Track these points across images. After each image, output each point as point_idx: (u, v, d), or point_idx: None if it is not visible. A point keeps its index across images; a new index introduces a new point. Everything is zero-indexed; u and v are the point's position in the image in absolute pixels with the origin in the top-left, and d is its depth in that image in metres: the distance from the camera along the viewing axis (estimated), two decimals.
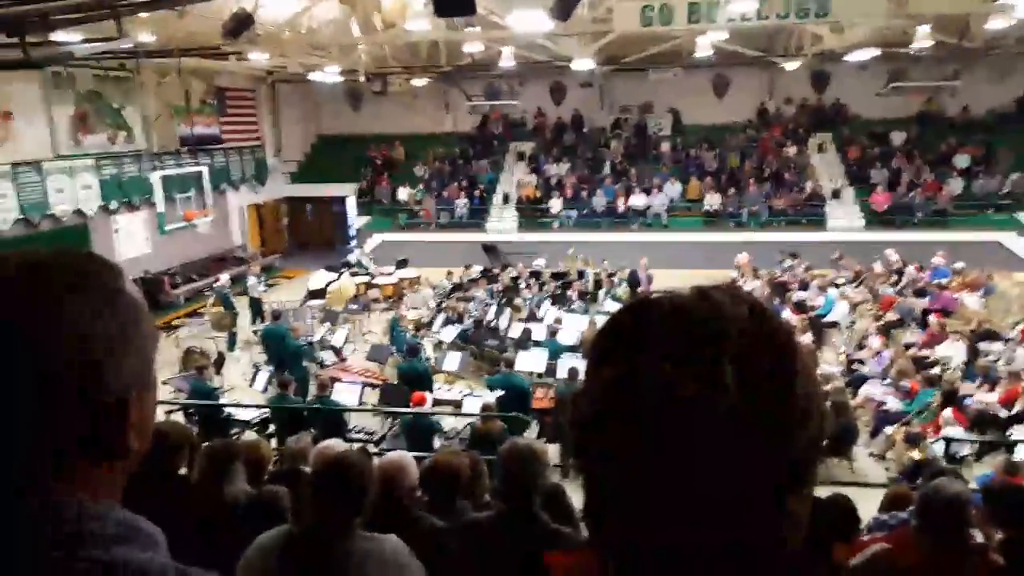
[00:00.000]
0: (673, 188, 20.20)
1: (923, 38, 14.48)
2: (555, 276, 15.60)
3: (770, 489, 0.56)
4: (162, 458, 3.36)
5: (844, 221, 18.81)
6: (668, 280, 15.58)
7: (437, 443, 7.33)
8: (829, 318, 12.37)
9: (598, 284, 14.99)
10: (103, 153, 15.74)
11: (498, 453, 3.12)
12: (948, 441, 7.28)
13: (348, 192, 22.43)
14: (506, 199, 20.96)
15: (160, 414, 8.46)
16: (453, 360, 10.54)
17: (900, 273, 14.35)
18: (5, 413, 0.62)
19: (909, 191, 18.95)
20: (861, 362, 10.54)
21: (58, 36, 10.28)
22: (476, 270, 16.14)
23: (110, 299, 0.68)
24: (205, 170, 17.96)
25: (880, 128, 21.16)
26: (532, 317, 12.67)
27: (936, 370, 9.53)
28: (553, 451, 8.05)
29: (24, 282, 0.65)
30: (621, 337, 0.62)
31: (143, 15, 11.34)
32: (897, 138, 20.84)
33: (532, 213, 20.41)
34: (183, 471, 3.70)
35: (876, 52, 16.87)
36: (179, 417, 8.66)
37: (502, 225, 20.26)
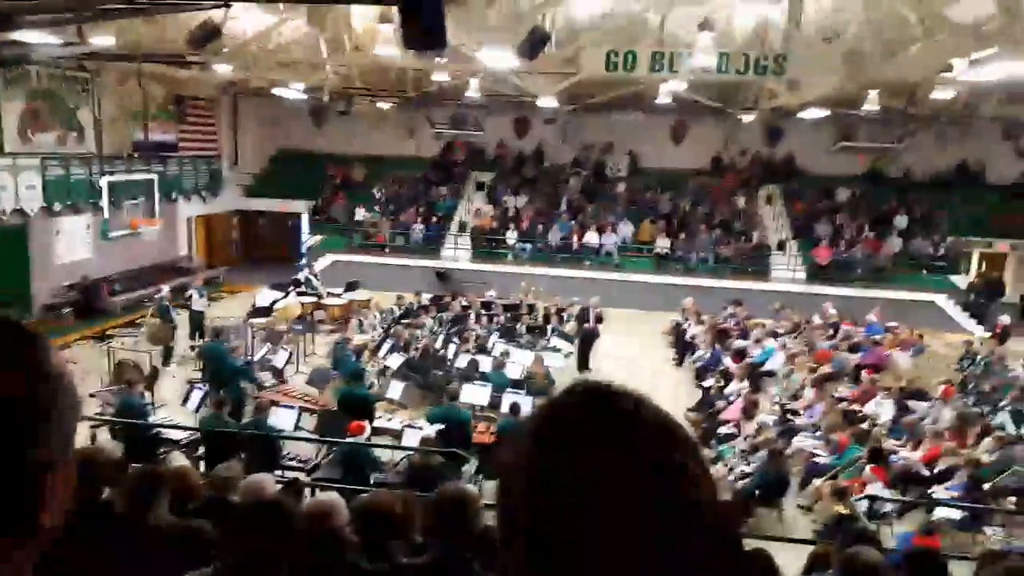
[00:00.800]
0: (626, 228, 20.60)
1: (872, 102, 15.23)
2: (506, 308, 15.68)
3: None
4: (86, 485, 3.27)
5: (787, 272, 19.44)
6: (616, 319, 15.81)
7: (373, 477, 7.25)
8: (766, 367, 12.70)
9: (547, 319, 15.12)
10: (51, 153, 15.30)
11: (432, 499, 3.14)
12: (872, 499, 7.52)
13: (303, 208, 22.23)
14: (462, 227, 21.05)
15: (85, 429, 8.16)
16: (396, 388, 10.46)
17: (836, 327, 14.87)
18: None
19: (850, 247, 19.71)
20: (796, 412, 10.84)
21: (20, 35, 10.02)
22: (427, 297, 16.11)
23: (36, 376, 0.66)
24: (156, 178, 17.61)
25: (827, 184, 22.02)
26: (481, 349, 12.69)
27: (865, 425, 9.86)
28: (490, 487, 8.07)
29: None
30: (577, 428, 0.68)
31: None
32: (842, 194, 21.72)
33: (487, 243, 20.53)
34: (106, 495, 3.60)
35: (827, 112, 17.64)
36: (105, 434, 8.39)
37: (457, 253, 20.32)
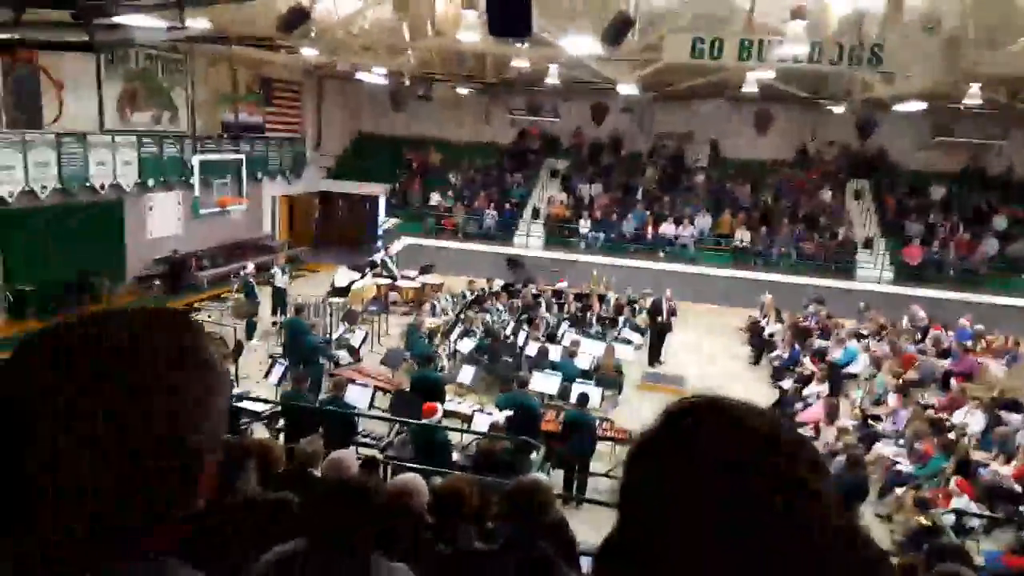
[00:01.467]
0: (704, 220, 20.12)
1: (974, 95, 14.36)
2: (577, 297, 15.60)
3: None
4: None
5: (873, 272, 18.61)
6: (691, 313, 15.52)
7: (452, 456, 7.35)
8: (849, 369, 12.23)
9: (619, 310, 14.97)
10: (147, 131, 16.05)
11: (506, 488, 3.15)
12: (959, 513, 7.16)
13: (381, 192, 22.65)
14: (536, 215, 21.02)
15: None
16: (467, 373, 10.57)
17: (925, 331, 14.17)
18: (105, 479, 0.64)
19: (943, 247, 18.72)
20: (877, 418, 10.41)
21: (122, 19, 10.50)
22: (498, 284, 16.19)
23: (200, 372, 0.71)
24: (243, 158, 18.23)
25: (920, 181, 20.93)
26: (550, 337, 12.67)
27: (952, 435, 9.38)
28: (557, 477, 8.07)
29: (130, 356, 0.68)
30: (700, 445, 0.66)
31: None
32: (936, 192, 20.61)
33: (560, 232, 20.44)
34: None
35: (924, 105, 16.74)
36: None
37: (529, 241, 20.32)
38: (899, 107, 17.15)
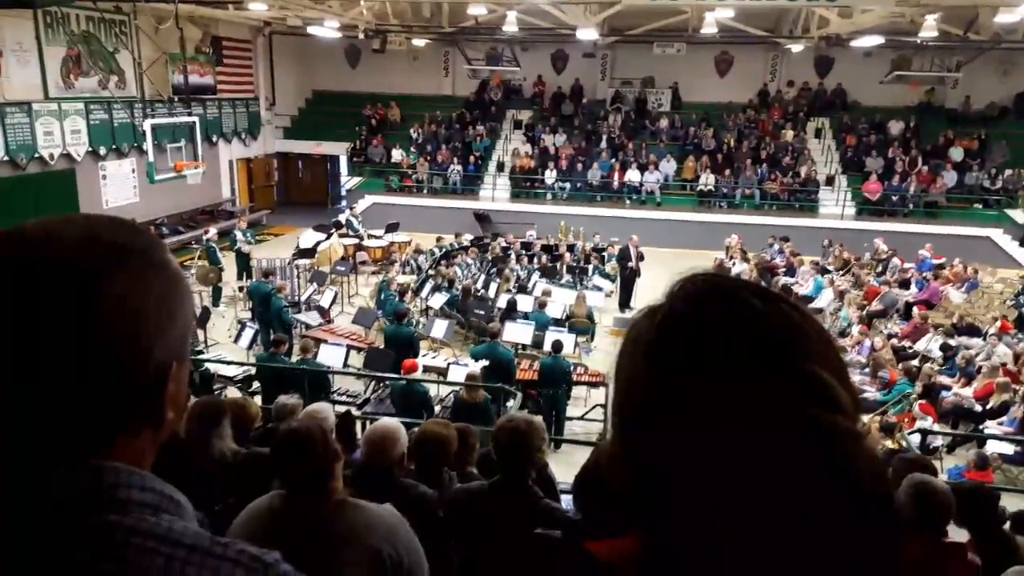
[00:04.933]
0: (669, 165, 20.14)
1: (930, 28, 14.43)
2: (545, 248, 15.60)
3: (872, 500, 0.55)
4: None
5: (836, 208, 18.89)
6: (658, 258, 15.64)
7: (433, 410, 7.36)
8: (815, 304, 12.48)
9: (588, 258, 15.02)
10: (94, 97, 15.45)
11: (496, 424, 3.16)
12: (924, 433, 7.43)
13: (341, 151, 22.21)
14: (500, 168, 20.83)
15: None
16: (440, 327, 10.56)
17: (886, 264, 14.49)
18: (54, 384, 0.63)
19: (902, 181, 19.02)
20: (843, 350, 10.67)
21: None
22: (467, 238, 16.10)
23: (157, 274, 0.69)
24: (197, 120, 17.66)
25: (879, 116, 21.13)
26: (521, 288, 12.70)
27: (916, 362, 9.68)
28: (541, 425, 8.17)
29: (81, 258, 0.65)
30: (702, 346, 0.58)
31: None
32: (895, 127, 20.84)
33: (526, 183, 20.32)
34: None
35: (881, 40, 16.79)
36: None
37: (495, 194, 20.17)
38: (856, 43, 17.18)
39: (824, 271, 13.92)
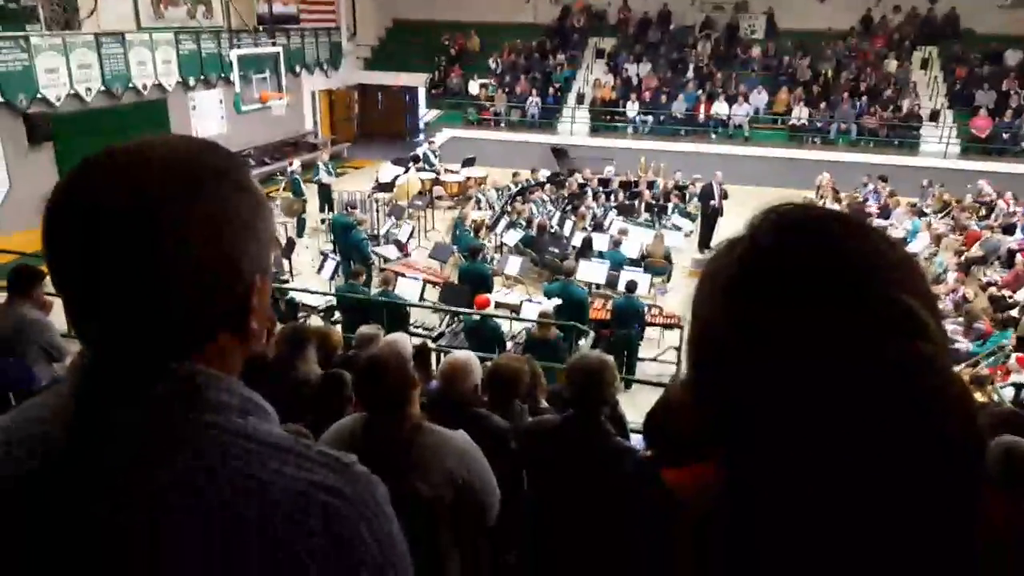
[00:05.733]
0: (759, 98, 19.16)
1: None
2: (624, 185, 15.28)
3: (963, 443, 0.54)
4: None
5: (939, 146, 17.65)
6: (743, 196, 15.10)
7: (505, 346, 7.48)
8: (910, 247, 11.84)
9: (668, 196, 14.64)
10: (183, 28, 15.81)
11: (569, 362, 3.18)
12: (1018, 387, 7.05)
13: (420, 82, 22.10)
14: (580, 100, 20.33)
15: None
16: (514, 264, 10.60)
17: (991, 207, 13.55)
18: (156, 291, 0.68)
19: (1016, 117, 17.53)
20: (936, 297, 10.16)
21: None
22: (543, 174, 15.93)
23: (240, 193, 0.74)
24: (281, 51, 17.89)
25: (994, 46, 19.36)
26: (597, 227, 12.54)
27: (1015, 312, 9.12)
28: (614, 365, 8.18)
29: (178, 175, 0.70)
30: (785, 277, 0.57)
31: None
32: (1012, 58, 19.09)
33: (606, 116, 19.79)
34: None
35: None
36: None
37: (574, 127, 19.76)
38: None
39: (921, 213, 13.14)
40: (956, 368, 6.09)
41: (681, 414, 2.54)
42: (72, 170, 0.72)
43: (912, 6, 20.42)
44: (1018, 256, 11.25)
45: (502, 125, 20.11)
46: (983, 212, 13.50)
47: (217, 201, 0.71)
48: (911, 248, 11.77)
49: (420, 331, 8.41)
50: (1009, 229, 12.48)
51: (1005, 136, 17.31)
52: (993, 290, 10.18)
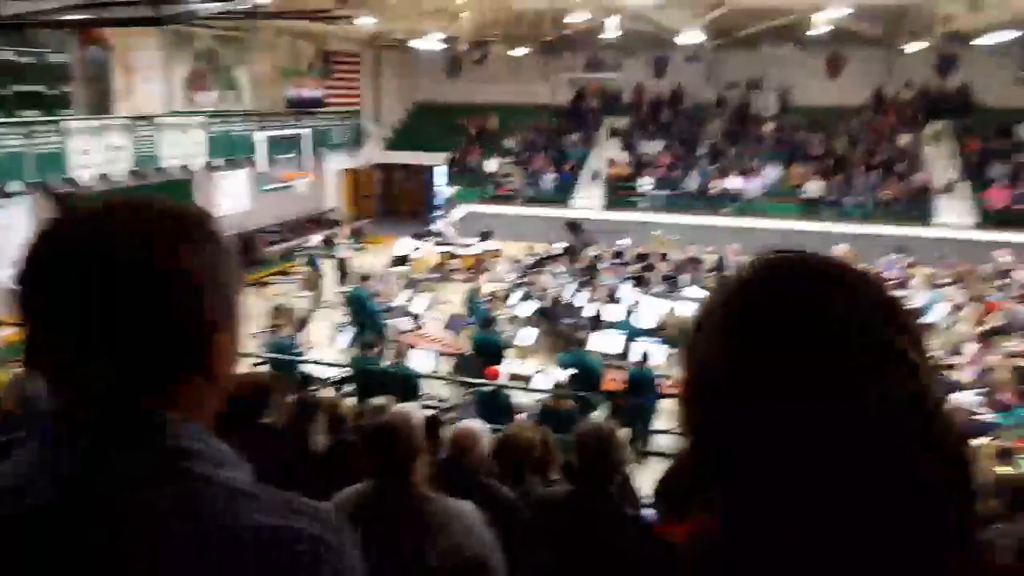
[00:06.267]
0: (773, 172, 19.42)
1: None
2: (639, 257, 15.38)
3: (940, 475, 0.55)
4: (250, 402, 3.57)
5: (955, 218, 17.66)
6: None
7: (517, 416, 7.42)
8: (927, 319, 11.71)
9: (681, 268, 14.68)
10: (214, 111, 16.51)
11: (577, 431, 3.16)
12: None
13: (439, 161, 22.74)
14: (595, 176, 20.74)
15: (248, 367, 8.91)
16: (528, 335, 10.62)
17: (1008, 276, 13.44)
18: (121, 334, 0.72)
19: None
20: (952, 367, 9.98)
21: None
22: (558, 246, 16.11)
23: (208, 244, 0.79)
24: (308, 132, 18.55)
25: (1006, 119, 19.60)
26: (611, 298, 12.58)
27: None
28: (623, 434, 8.07)
29: (153, 230, 0.76)
30: (771, 318, 0.60)
31: None
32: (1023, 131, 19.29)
33: (621, 192, 20.12)
34: (269, 420, 3.93)
35: (1016, 34, 15.43)
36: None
37: (589, 203, 20.09)
38: (983, 40, 15.99)
39: (936, 285, 13.05)
40: (980, 440, 5.91)
41: (684, 469, 2.51)
42: (55, 220, 0.79)
43: (923, 82, 20.77)
44: None
45: (519, 200, 20.49)
46: (1000, 282, 13.37)
47: (189, 252, 0.76)
48: (929, 318, 11.65)
49: (432, 403, 8.38)
50: None
51: (1021, 207, 17.30)
52: (1018, 360, 9.98)
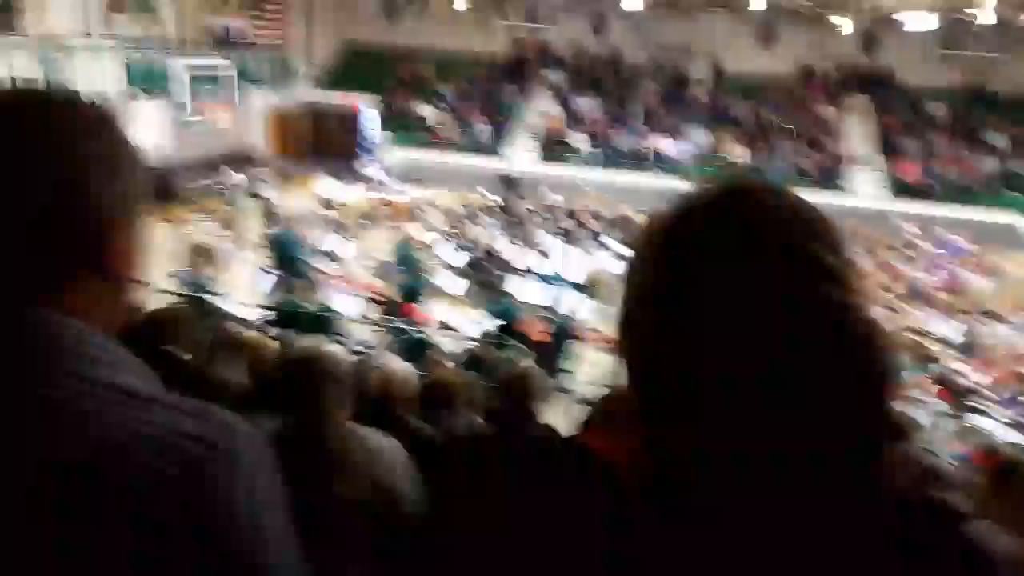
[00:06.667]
0: (701, 137, 19.82)
1: (988, 11, 13.90)
2: (570, 213, 15.53)
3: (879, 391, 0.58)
4: (163, 335, 3.43)
5: (869, 189, 18.52)
6: None
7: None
8: None
9: (612, 225, 14.93)
10: (132, 38, 15.49)
11: (501, 374, 3.21)
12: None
13: (372, 104, 22.12)
14: (531, 130, 20.65)
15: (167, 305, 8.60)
16: (459, 285, 10.63)
17: (914, 247, 14.27)
18: (7, 223, 0.67)
19: (940, 165, 18.56)
20: None
21: None
22: (491, 198, 16.06)
23: (105, 131, 0.74)
24: (231, 65, 17.68)
25: (922, 97, 20.52)
26: (541, 251, 12.69)
27: (935, 347, 9.57)
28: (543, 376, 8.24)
29: (44, 112, 0.71)
30: (711, 232, 0.63)
31: None
32: (938, 110, 20.26)
33: (555, 147, 20.14)
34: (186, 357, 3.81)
35: (934, 21, 16.16)
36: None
37: (523, 155, 20.03)
38: (906, 20, 16.63)
39: None
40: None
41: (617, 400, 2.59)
42: None
43: (848, 58, 21.45)
44: (937, 294, 11.86)
45: (452, 149, 20.24)
46: (908, 253, 14.20)
47: (73, 129, 0.71)
48: None
49: (359, 348, 8.32)
50: (931, 268, 13.15)
51: (930, 182, 18.29)
52: (915, 323, 10.66)
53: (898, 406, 0.61)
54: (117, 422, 0.64)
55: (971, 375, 8.87)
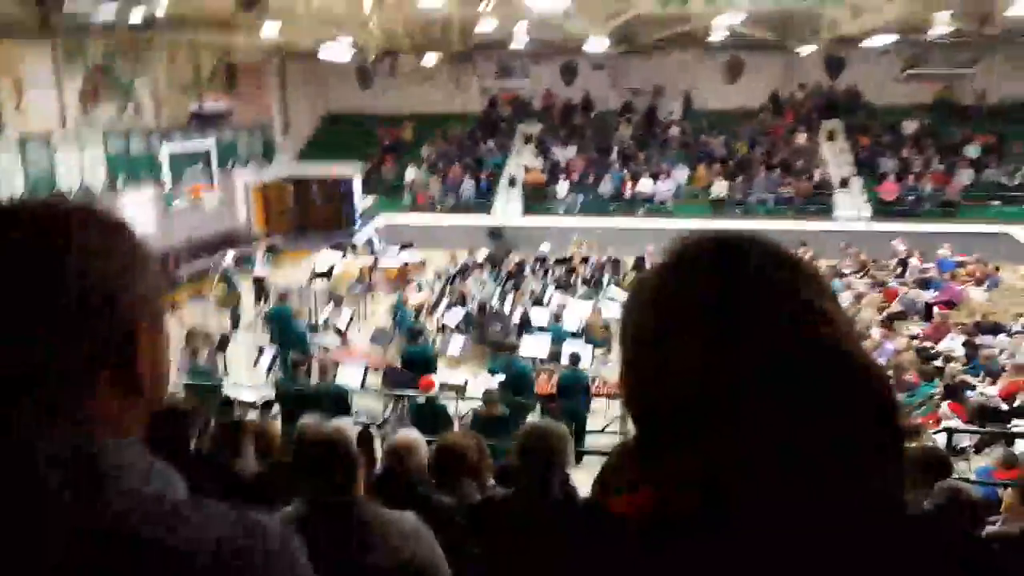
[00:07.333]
0: (680, 174, 20.10)
1: (943, 23, 14.30)
2: (560, 262, 15.60)
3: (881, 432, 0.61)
4: (173, 428, 3.39)
5: (852, 211, 18.73)
6: None
7: (452, 427, 7.37)
8: None
9: (602, 270, 15.00)
10: (112, 128, 15.69)
11: (519, 432, 3.13)
12: (950, 433, 7.31)
13: (355, 172, 22.36)
14: (512, 183, 20.90)
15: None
16: (456, 344, 10.58)
17: (905, 264, 14.35)
18: (26, 341, 0.67)
19: (918, 181, 18.84)
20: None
21: (73, 6, 10.30)
22: (481, 254, 16.14)
23: (121, 240, 0.75)
24: (213, 143, 17.88)
25: (893, 116, 20.97)
26: (536, 302, 12.70)
27: (939, 362, 9.54)
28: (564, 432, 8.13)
29: (52, 222, 0.71)
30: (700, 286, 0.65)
31: None
32: (909, 127, 20.68)
33: (538, 197, 20.35)
34: (193, 445, 3.75)
35: (894, 38, 16.63)
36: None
37: (508, 208, 20.22)
38: (868, 43, 17.10)
39: (840, 274, 13.79)
40: None
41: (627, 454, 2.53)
42: None
43: (816, 83, 21.97)
44: (935, 309, 11.88)
45: (437, 209, 20.41)
46: (899, 270, 14.27)
47: (95, 246, 0.71)
48: None
49: (364, 420, 8.20)
50: (924, 284, 13.20)
51: (911, 199, 18.53)
52: (916, 343, 10.65)
53: (906, 428, 0.63)
54: (154, 537, 0.64)
55: (981, 389, 8.83)
